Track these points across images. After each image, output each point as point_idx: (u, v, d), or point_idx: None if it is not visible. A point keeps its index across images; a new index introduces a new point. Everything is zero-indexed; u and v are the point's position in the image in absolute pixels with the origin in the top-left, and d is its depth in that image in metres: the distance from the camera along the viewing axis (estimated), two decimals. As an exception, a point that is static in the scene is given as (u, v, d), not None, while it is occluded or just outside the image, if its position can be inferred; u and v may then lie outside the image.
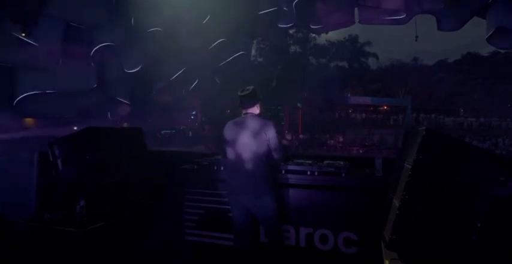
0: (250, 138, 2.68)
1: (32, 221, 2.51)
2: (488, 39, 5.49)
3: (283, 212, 3.00)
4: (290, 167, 3.13)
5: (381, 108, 23.23)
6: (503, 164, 1.88)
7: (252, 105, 2.81)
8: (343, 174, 2.96)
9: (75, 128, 7.88)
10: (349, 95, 22.82)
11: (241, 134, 2.71)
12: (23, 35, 5.24)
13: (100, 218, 2.64)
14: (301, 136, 19.00)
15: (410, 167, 1.95)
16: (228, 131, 2.81)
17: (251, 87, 2.84)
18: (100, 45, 6.53)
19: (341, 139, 16.70)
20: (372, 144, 15.69)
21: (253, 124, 2.72)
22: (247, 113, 2.82)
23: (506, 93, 21.14)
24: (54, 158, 2.73)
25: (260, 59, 23.26)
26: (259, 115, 2.84)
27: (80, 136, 2.73)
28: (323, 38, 24.42)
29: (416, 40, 8.44)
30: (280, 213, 2.78)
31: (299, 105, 22.50)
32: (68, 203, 2.65)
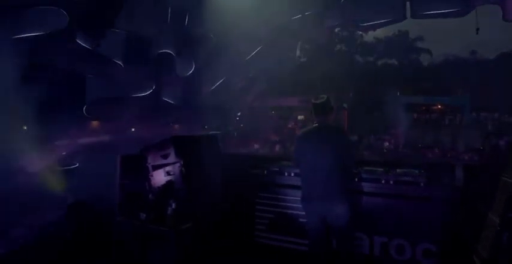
0: (325, 147, 2.71)
1: (133, 219, 2.81)
2: None
3: (356, 220, 3.00)
4: (363, 175, 3.13)
5: (435, 107, 21.73)
6: None
7: (327, 114, 2.84)
8: (422, 184, 2.89)
9: (133, 129, 8.54)
10: (398, 94, 21.68)
11: (317, 143, 2.76)
12: (94, 47, 5.79)
13: (187, 219, 2.87)
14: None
15: (513, 181, 1.87)
16: (303, 140, 2.88)
17: (325, 96, 2.87)
18: (157, 53, 7.04)
19: (391, 141, 15.94)
20: (427, 146, 14.76)
21: (328, 133, 2.76)
22: (320, 122, 2.85)
23: None
24: (146, 163, 3.02)
25: (304, 59, 23.09)
26: (331, 124, 2.87)
27: (168, 144, 2.99)
28: (370, 35, 23.46)
29: (477, 33, 7.78)
30: (353, 220, 2.78)
31: (345, 105, 21.91)
32: (157, 204, 2.92)
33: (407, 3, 7.28)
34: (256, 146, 11.92)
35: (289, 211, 3.44)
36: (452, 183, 2.93)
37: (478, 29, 7.68)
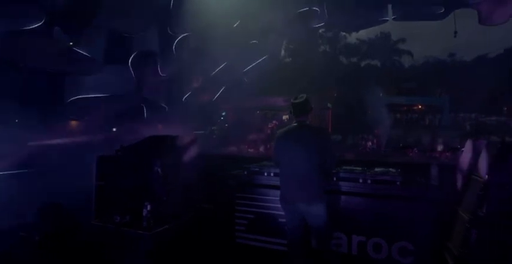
0: (304, 147, 2.70)
1: (108, 222, 2.72)
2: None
3: (335, 219, 3.01)
4: (342, 175, 3.14)
5: (416, 108, 22.26)
6: None
7: (306, 114, 2.83)
8: (398, 183, 2.93)
9: (114, 129, 8.31)
10: (381, 94, 22.01)
11: (296, 143, 2.74)
12: (71, 44, 5.60)
13: (163, 220, 2.80)
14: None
15: (483, 180, 1.91)
16: (282, 140, 2.85)
17: (304, 95, 2.86)
18: (139, 51, 6.88)
19: (374, 140, 16.18)
20: (407, 145, 15.07)
21: (307, 133, 2.74)
22: (299, 121, 2.83)
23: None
24: (121, 164, 2.93)
25: (288, 59, 23.18)
26: (311, 123, 2.87)
27: (144, 144, 2.91)
28: (353, 37, 23.83)
29: (455, 36, 8.06)
30: (332, 220, 2.78)
31: (329, 105, 22.08)
32: (134, 205, 2.84)
33: (389, 6, 7.43)
34: (239, 146, 11.88)
35: (270, 211, 3.43)
36: (428, 182, 2.98)
37: (456, 32, 7.95)
